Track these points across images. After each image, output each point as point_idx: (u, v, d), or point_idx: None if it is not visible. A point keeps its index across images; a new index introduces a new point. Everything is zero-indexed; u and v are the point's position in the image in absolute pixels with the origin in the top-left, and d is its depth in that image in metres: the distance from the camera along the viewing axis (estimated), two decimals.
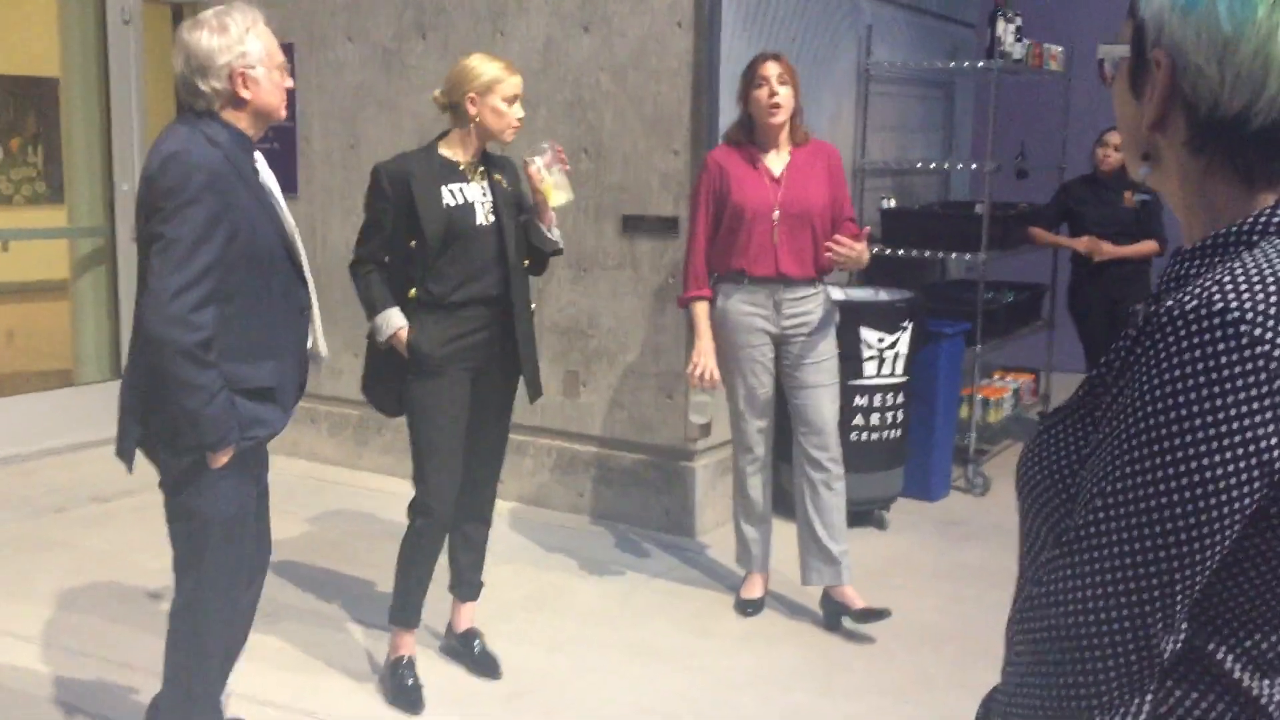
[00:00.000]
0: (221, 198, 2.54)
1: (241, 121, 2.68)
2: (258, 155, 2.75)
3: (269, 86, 2.67)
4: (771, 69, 3.78)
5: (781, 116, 3.80)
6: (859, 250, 3.72)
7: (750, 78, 3.83)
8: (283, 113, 2.76)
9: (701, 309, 3.87)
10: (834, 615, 3.93)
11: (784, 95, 3.77)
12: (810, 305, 3.90)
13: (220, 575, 2.73)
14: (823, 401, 3.90)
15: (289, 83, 2.76)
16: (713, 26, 4.54)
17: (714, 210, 3.87)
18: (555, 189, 3.30)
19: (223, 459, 2.60)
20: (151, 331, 2.52)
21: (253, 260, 2.61)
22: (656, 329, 4.79)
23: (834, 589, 3.91)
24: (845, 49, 5.53)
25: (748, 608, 4.06)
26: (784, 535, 4.98)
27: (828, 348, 3.93)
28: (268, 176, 2.76)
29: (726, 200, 3.84)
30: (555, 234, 3.39)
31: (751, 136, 3.88)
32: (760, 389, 3.93)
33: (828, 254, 3.73)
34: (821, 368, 3.90)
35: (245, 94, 2.64)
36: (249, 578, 2.86)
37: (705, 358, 3.82)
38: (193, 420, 2.54)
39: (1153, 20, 1.03)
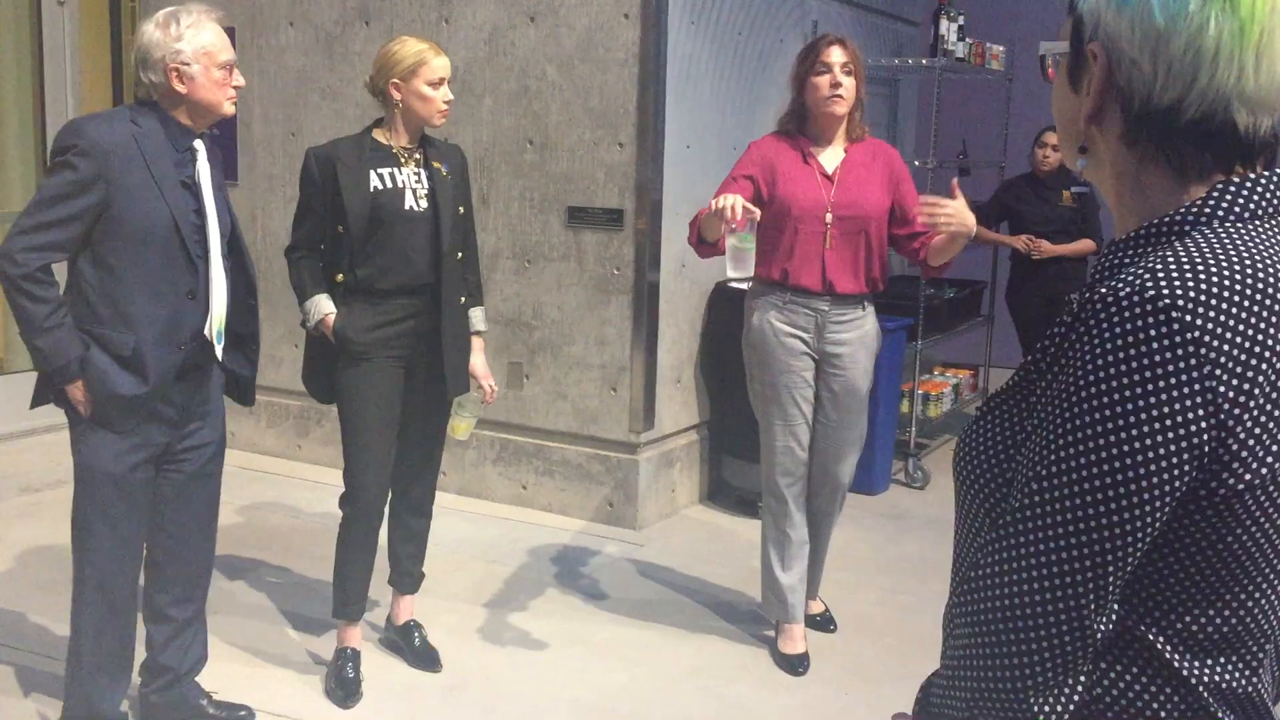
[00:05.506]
0: (100, 167, 2.63)
1: (180, 114, 2.78)
2: (199, 145, 2.82)
3: (206, 84, 2.75)
4: (836, 55, 3.34)
5: (842, 108, 3.37)
6: (958, 209, 3.08)
7: (810, 62, 3.38)
8: (227, 109, 2.82)
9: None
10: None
11: (848, 86, 3.35)
12: (856, 330, 3.49)
13: (88, 527, 2.79)
14: (849, 440, 3.59)
15: (238, 81, 2.83)
16: (660, 18, 4.54)
17: (752, 197, 3.29)
18: (463, 422, 3.45)
19: (74, 393, 2.70)
20: None
21: (129, 235, 2.68)
22: (601, 321, 4.78)
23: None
24: (791, 44, 5.54)
25: (799, 665, 3.58)
26: (733, 528, 4.99)
27: (865, 380, 3.55)
28: (203, 167, 2.81)
29: (771, 195, 3.38)
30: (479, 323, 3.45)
31: (803, 127, 3.45)
32: (803, 420, 3.50)
33: (926, 217, 3.12)
34: (854, 404, 3.54)
35: (180, 89, 2.74)
36: (136, 553, 2.88)
37: (723, 198, 3.01)
38: (30, 349, 2.70)
39: (1089, 15, 1.05)
